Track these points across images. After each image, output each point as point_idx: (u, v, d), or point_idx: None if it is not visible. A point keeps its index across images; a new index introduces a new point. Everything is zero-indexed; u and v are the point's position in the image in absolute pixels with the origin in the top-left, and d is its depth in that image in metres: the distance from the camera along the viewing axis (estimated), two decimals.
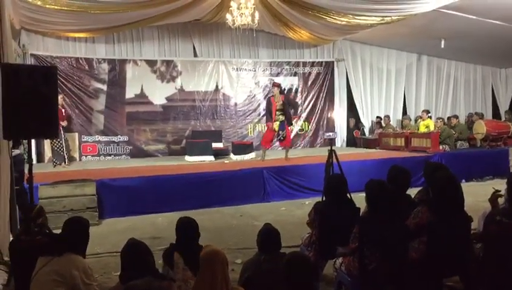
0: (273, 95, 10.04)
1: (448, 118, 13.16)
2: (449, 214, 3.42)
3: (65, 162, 10.09)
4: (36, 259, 3.18)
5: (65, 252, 3.17)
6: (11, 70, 4.28)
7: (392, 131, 12.80)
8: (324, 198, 4.54)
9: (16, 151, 5.70)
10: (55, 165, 9.90)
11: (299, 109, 13.54)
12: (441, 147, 10.98)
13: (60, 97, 9.62)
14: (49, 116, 4.30)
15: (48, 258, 3.15)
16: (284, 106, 9.89)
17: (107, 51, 11.93)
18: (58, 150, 10.01)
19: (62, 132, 9.86)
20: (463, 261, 3.58)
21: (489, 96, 15.76)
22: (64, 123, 10.18)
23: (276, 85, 10.25)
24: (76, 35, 11.23)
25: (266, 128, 10.32)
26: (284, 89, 13.40)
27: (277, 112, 9.86)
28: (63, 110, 10.41)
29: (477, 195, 7.60)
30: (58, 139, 9.70)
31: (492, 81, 15.73)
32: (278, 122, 9.85)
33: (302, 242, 4.61)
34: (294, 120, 10.08)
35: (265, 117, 10.62)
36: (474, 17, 9.84)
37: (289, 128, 10.10)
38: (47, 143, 10.74)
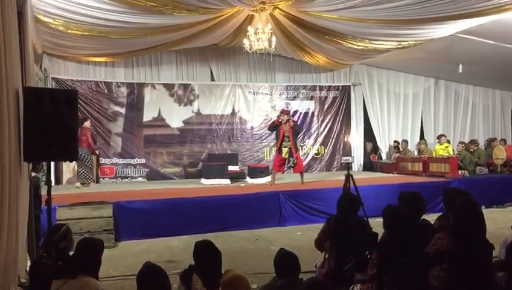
0: (282, 122, 9.97)
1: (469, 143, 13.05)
2: (470, 241, 3.34)
3: (93, 181, 10.66)
4: None
5: (79, 275, 3.16)
6: (33, 93, 4.36)
7: (410, 156, 12.68)
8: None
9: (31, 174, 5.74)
10: (83, 185, 10.32)
11: (306, 134, 13.48)
12: (459, 172, 10.82)
13: (88, 122, 10.52)
14: (69, 138, 4.35)
15: (62, 281, 3.15)
16: (291, 133, 9.85)
17: (126, 74, 12.16)
18: (86, 171, 10.48)
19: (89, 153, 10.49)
20: None
21: (509, 121, 15.54)
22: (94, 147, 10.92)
23: (285, 112, 10.22)
24: (97, 59, 11.48)
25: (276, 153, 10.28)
26: (301, 113, 13.45)
27: (285, 139, 9.83)
28: (91, 134, 10.94)
29: (498, 222, 7.48)
30: (89, 157, 10.50)
31: (511, 106, 15.55)
32: (286, 149, 9.82)
33: (317, 269, 4.55)
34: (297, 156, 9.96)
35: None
36: (491, 42, 9.80)
37: (297, 153, 10.02)
38: (66, 165, 10.92)
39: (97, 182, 11.38)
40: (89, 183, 10.48)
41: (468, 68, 12.18)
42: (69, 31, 8.50)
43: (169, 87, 12.47)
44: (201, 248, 3.40)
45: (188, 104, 12.61)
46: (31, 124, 4.16)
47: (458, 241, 3.37)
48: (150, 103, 12.23)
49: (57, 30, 8.40)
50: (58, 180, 11.07)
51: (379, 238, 4.08)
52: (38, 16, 7.61)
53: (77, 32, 8.57)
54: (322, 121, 13.76)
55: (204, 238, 3.69)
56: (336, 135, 13.83)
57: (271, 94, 13.36)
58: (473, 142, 12.79)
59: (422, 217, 4.17)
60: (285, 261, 3.32)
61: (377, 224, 5.00)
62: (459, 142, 12.41)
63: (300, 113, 13.52)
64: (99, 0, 7.15)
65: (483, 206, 9.07)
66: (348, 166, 6.67)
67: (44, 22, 7.96)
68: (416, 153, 13.28)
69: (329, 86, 13.88)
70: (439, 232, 3.65)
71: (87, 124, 10.75)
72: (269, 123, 11.00)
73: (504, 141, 13.32)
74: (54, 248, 3.67)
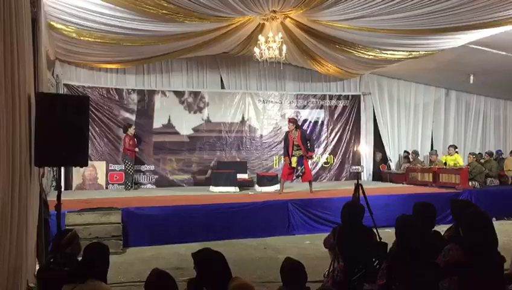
0: (290, 131, 10.05)
1: (480, 154, 12.97)
2: (481, 253, 3.30)
3: (132, 187, 11.21)
4: None
5: (88, 279, 3.16)
6: (45, 99, 4.41)
7: (420, 166, 12.60)
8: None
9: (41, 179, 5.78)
10: (127, 188, 11.13)
11: (315, 143, 13.21)
12: (470, 184, 10.73)
13: (131, 129, 11.04)
14: (79, 144, 4.38)
15: (71, 285, 3.14)
16: (300, 142, 9.88)
17: (137, 81, 12.23)
18: (126, 177, 11.22)
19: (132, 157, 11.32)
20: None
21: None
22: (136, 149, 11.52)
23: (291, 121, 10.27)
24: (108, 66, 11.57)
25: (284, 162, 10.33)
26: (310, 122, 13.44)
27: (294, 147, 9.88)
28: (135, 139, 11.47)
29: (508, 234, 7.41)
30: (132, 165, 11.22)
31: None
32: (295, 158, 9.86)
33: (325, 278, 4.52)
34: (310, 156, 10.08)
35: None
36: (503, 52, 9.75)
37: (307, 160, 10.03)
38: (76, 171, 11.01)
39: (131, 187, 11.31)
40: (128, 188, 11.11)
41: (479, 79, 12.12)
42: (82, 38, 8.56)
43: (179, 94, 12.53)
44: (203, 261, 3.20)
45: (197, 111, 12.66)
46: (43, 129, 4.20)
47: (468, 253, 3.33)
48: (160, 110, 12.29)
49: (70, 37, 8.47)
50: (68, 186, 11.12)
51: (388, 248, 4.05)
52: (51, 22, 7.69)
53: (89, 39, 8.64)
54: (332, 130, 13.73)
55: (212, 245, 3.67)
56: (345, 144, 13.78)
57: (281, 103, 13.37)
58: (488, 153, 12.70)
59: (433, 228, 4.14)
60: (291, 270, 3.31)
61: (386, 234, 4.98)
62: (470, 153, 12.31)
63: (310, 122, 13.51)
64: (112, 7, 7.20)
65: (494, 218, 9.02)
66: (357, 175, 6.64)
67: (57, 29, 8.04)
68: (427, 163, 13.19)
69: (339, 95, 13.86)
70: (450, 244, 3.61)
71: (130, 130, 11.21)
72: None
73: None
74: (60, 253, 3.68)
